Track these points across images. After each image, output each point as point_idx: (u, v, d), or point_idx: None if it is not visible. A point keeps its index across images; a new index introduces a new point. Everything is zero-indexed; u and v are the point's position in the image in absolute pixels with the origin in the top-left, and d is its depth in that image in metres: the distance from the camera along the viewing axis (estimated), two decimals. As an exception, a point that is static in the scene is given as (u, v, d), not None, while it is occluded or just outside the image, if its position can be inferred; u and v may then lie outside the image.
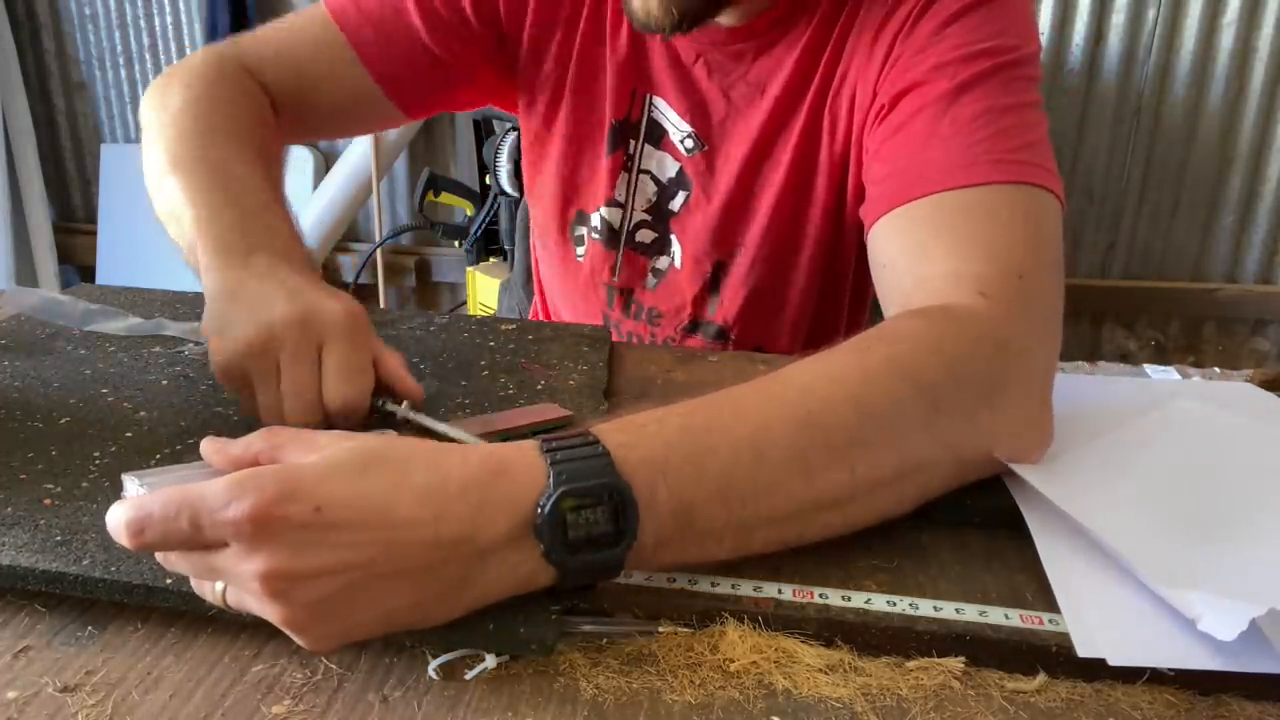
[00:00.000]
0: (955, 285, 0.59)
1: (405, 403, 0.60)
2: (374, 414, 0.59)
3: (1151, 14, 2.08)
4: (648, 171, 0.87)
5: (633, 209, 0.88)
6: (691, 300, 0.90)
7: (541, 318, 1.04)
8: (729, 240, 0.86)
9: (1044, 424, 0.58)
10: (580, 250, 0.93)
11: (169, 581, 0.44)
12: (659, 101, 0.85)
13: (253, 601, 0.40)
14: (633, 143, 0.86)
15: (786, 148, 0.81)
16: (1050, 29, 2.11)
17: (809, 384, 0.50)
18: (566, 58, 0.85)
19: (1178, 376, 0.77)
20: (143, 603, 0.44)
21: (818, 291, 0.87)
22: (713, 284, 0.89)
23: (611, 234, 0.90)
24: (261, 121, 0.79)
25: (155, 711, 0.39)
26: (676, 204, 0.87)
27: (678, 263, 0.89)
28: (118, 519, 0.40)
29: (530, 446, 0.44)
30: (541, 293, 1.04)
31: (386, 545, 0.39)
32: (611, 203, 0.88)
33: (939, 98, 0.68)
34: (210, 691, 0.41)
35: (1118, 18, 2.09)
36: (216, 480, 0.39)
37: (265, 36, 0.84)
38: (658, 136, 0.86)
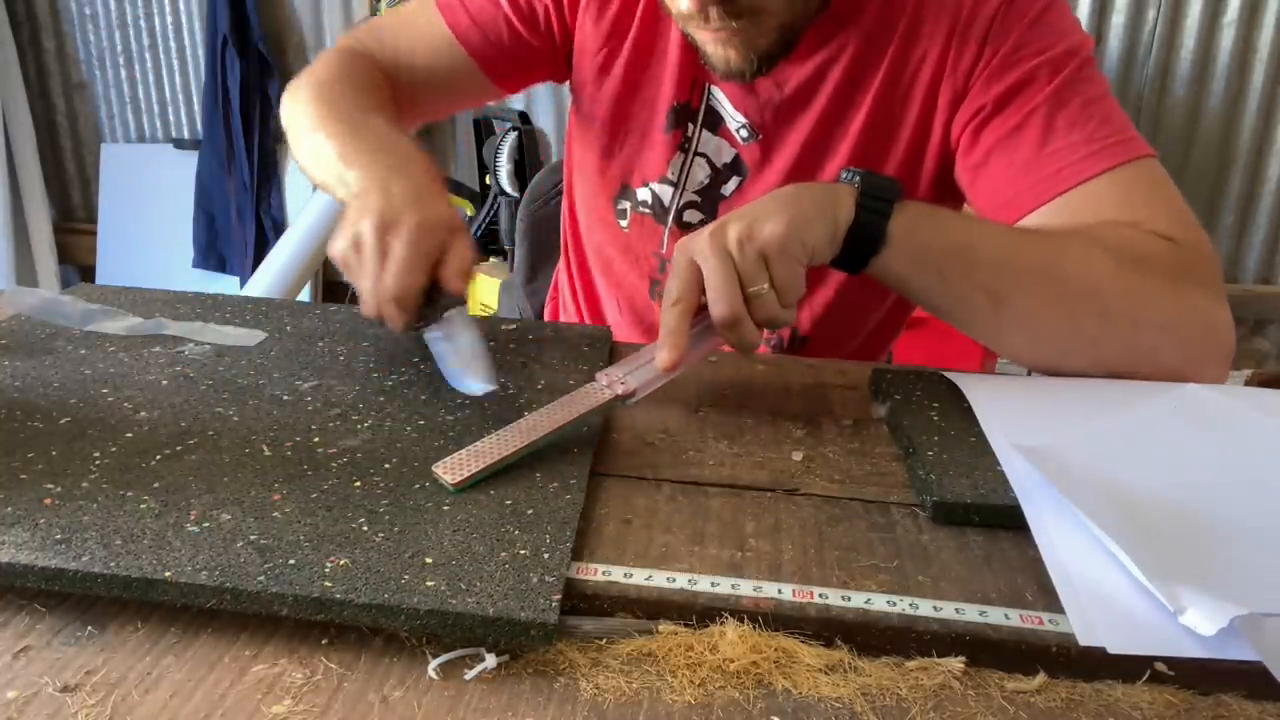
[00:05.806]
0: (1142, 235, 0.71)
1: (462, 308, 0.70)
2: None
3: (1151, 14, 2.08)
4: (704, 155, 0.89)
5: (684, 189, 0.91)
6: None
7: (569, 292, 1.06)
8: None
9: (1232, 340, 0.71)
10: (624, 223, 0.95)
11: (167, 575, 0.44)
12: (717, 91, 0.87)
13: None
14: (691, 126, 0.89)
15: (846, 138, 0.83)
16: (1050, 29, 2.11)
17: (1062, 243, 0.67)
18: (622, 38, 0.88)
19: (1178, 376, 0.77)
20: (142, 597, 0.45)
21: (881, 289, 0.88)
22: None
23: (662, 209, 0.92)
24: (387, 97, 0.89)
25: (155, 711, 0.40)
26: (729, 189, 0.89)
27: None
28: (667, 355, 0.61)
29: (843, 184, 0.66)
30: (569, 266, 1.04)
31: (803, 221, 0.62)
32: (664, 180, 0.91)
33: (1046, 99, 0.76)
34: (210, 691, 0.41)
35: (1118, 18, 2.10)
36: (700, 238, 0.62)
37: (382, 32, 0.94)
38: (715, 124, 0.88)
